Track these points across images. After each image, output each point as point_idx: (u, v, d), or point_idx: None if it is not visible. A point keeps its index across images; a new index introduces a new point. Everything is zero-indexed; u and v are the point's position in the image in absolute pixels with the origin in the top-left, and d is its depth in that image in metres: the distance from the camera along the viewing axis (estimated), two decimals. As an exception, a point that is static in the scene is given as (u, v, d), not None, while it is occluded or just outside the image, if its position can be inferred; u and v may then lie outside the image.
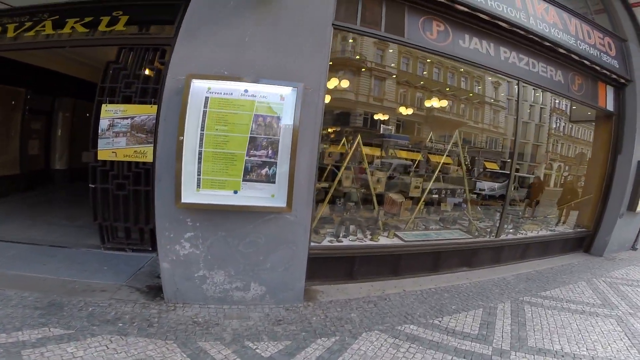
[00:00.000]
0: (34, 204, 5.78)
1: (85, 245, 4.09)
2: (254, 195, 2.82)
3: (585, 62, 5.16)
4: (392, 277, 4.06)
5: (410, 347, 2.72)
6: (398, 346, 2.71)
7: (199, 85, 2.70)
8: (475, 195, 6.61)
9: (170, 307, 2.99)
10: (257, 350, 2.50)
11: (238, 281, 3.11)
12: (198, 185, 2.77)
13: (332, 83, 6.46)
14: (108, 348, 2.34)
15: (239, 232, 2.99)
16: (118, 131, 3.79)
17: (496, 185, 9.53)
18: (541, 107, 13.70)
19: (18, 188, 6.30)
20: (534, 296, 3.96)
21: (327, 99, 7.83)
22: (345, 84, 6.75)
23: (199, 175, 2.75)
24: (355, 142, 4.24)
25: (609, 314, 3.65)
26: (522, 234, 5.42)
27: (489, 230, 5.15)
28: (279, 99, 2.79)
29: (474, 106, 12.59)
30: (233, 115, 2.74)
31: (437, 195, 5.11)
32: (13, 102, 6.17)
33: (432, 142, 8.56)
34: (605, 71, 5.48)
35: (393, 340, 2.79)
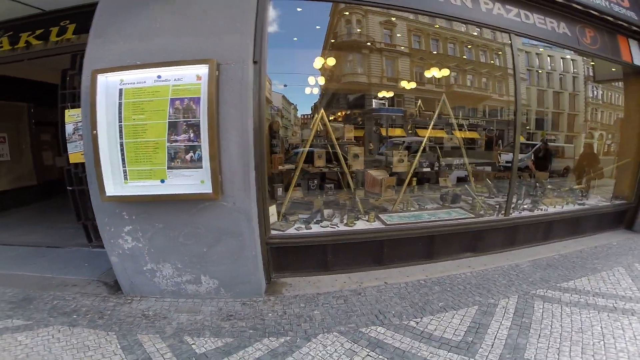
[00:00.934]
0: (45, 211, 6.12)
1: (77, 244, 4.26)
2: (183, 183, 2.62)
3: (593, 12, 4.26)
4: (375, 267, 3.61)
5: (367, 355, 2.25)
6: (354, 353, 2.28)
7: (111, 80, 2.64)
8: (489, 169, 5.81)
9: (128, 300, 3.00)
10: (192, 346, 2.37)
11: (187, 274, 2.96)
12: (125, 178, 2.66)
13: (319, 63, 6.11)
14: (53, 337, 2.43)
15: (175, 223, 2.83)
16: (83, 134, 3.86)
17: (521, 156, 8.55)
18: (574, 76, 12.14)
19: (35, 198, 6.69)
20: (551, 288, 3.15)
21: (321, 80, 7.59)
22: (331, 62, 6.30)
23: (124, 167, 2.65)
24: (318, 118, 3.84)
25: (650, 311, 2.75)
26: (541, 210, 4.57)
27: (497, 207, 4.39)
28: (195, 79, 2.58)
29: (497, 79, 11.48)
30: (148, 103, 2.61)
31: (428, 169, 4.49)
32: (18, 117, 6.50)
33: (421, 110, 7.76)
34: (620, 22, 4.53)
35: (350, 346, 2.36)
